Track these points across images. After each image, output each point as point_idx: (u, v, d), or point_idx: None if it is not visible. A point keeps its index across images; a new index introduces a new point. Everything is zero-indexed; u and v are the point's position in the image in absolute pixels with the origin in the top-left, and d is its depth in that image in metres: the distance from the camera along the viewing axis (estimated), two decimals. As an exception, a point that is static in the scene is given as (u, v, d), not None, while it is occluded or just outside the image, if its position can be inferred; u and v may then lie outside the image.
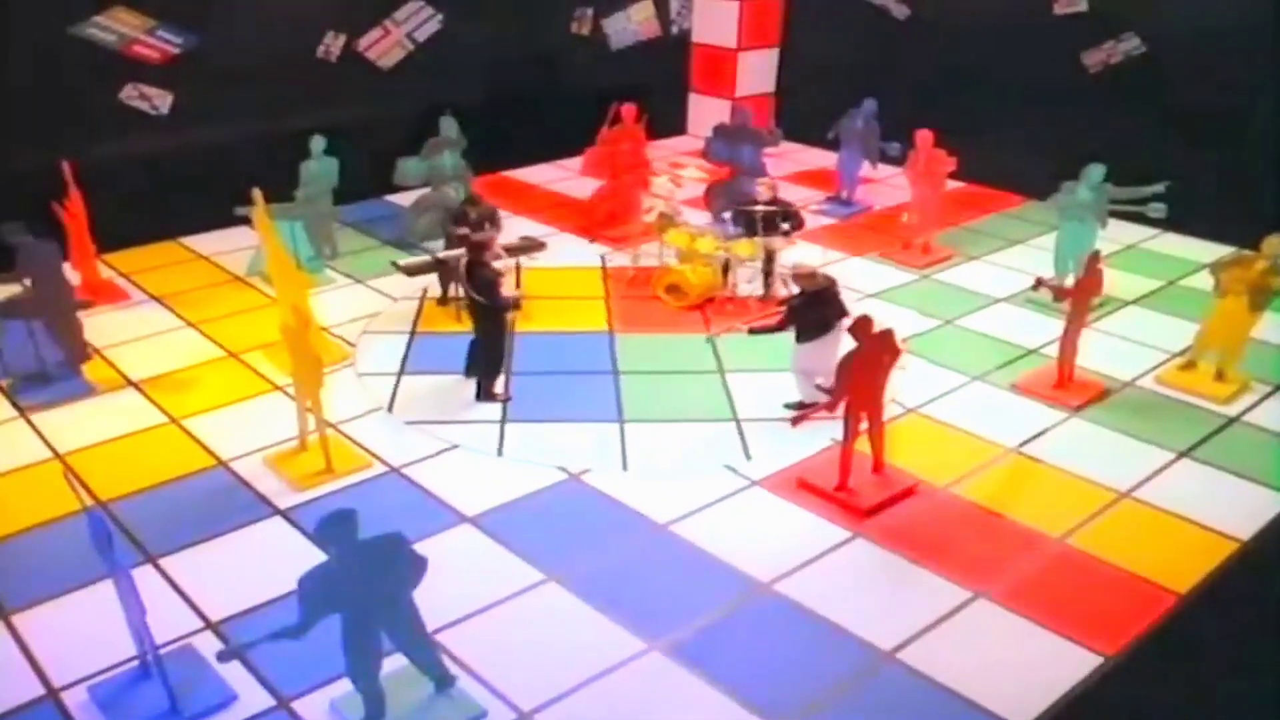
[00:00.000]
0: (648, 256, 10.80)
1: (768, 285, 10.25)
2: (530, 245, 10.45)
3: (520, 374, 8.82)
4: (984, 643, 5.91)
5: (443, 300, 10.07)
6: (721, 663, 5.75)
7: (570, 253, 11.52)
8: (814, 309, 7.93)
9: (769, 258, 10.22)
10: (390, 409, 8.38)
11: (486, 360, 8.43)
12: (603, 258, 11.38)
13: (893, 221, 11.99)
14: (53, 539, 6.69)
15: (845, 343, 7.48)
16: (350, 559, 4.82)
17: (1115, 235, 11.25)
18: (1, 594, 6.22)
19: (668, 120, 15.95)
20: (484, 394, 8.46)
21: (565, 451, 7.76)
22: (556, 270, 10.99)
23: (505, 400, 8.47)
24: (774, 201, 10.23)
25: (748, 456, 7.73)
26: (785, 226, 10.14)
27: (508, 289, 8.45)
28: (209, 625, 6.01)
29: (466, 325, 8.72)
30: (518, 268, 10.34)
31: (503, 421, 8.21)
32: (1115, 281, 10.39)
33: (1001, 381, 8.88)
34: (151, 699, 5.36)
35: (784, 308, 8.07)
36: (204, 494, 7.21)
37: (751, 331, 8.15)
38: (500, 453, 7.78)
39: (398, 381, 8.83)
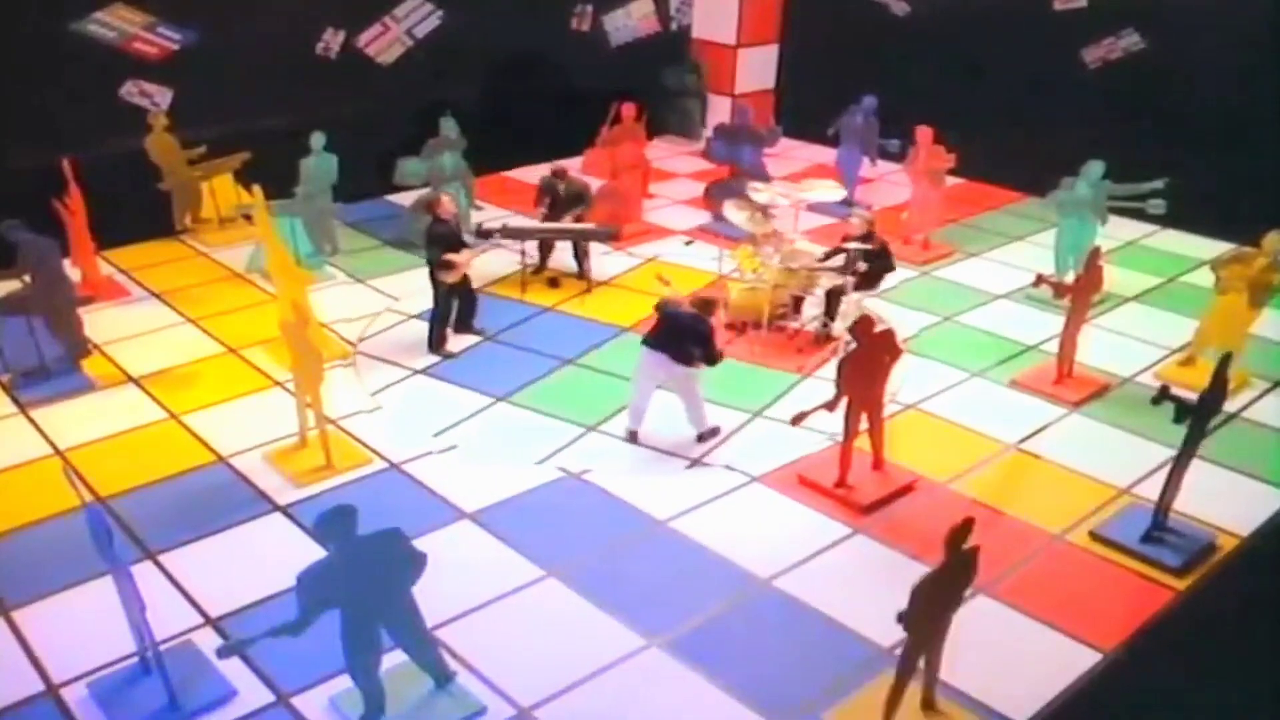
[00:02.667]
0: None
1: (824, 325, 9.42)
2: (601, 232, 10.46)
3: (497, 342, 9.39)
4: (983, 639, 5.91)
5: (538, 270, 10.64)
6: (720, 659, 5.76)
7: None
8: (674, 333, 7.51)
9: (829, 296, 9.34)
10: (358, 344, 9.35)
11: (435, 312, 9.13)
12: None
13: (893, 219, 11.97)
14: (52, 535, 6.69)
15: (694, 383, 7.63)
16: (349, 555, 4.82)
17: (1115, 232, 11.26)
18: (1, 590, 6.23)
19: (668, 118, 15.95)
20: (432, 344, 9.12)
21: (414, 407, 8.37)
22: (675, 267, 10.90)
23: (448, 355, 9.07)
24: (866, 238, 9.22)
25: (538, 461, 7.61)
26: (862, 266, 9.13)
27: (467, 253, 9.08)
28: (209, 621, 6.01)
29: (527, 295, 10.19)
30: (587, 252, 10.53)
31: (418, 371, 8.89)
32: (1115, 278, 10.39)
33: (1001, 378, 8.88)
34: (151, 695, 5.37)
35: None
36: (204, 490, 7.21)
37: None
38: (372, 395, 8.50)
39: (399, 322, 9.77)
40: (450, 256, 8.88)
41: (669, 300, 7.77)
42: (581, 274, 10.56)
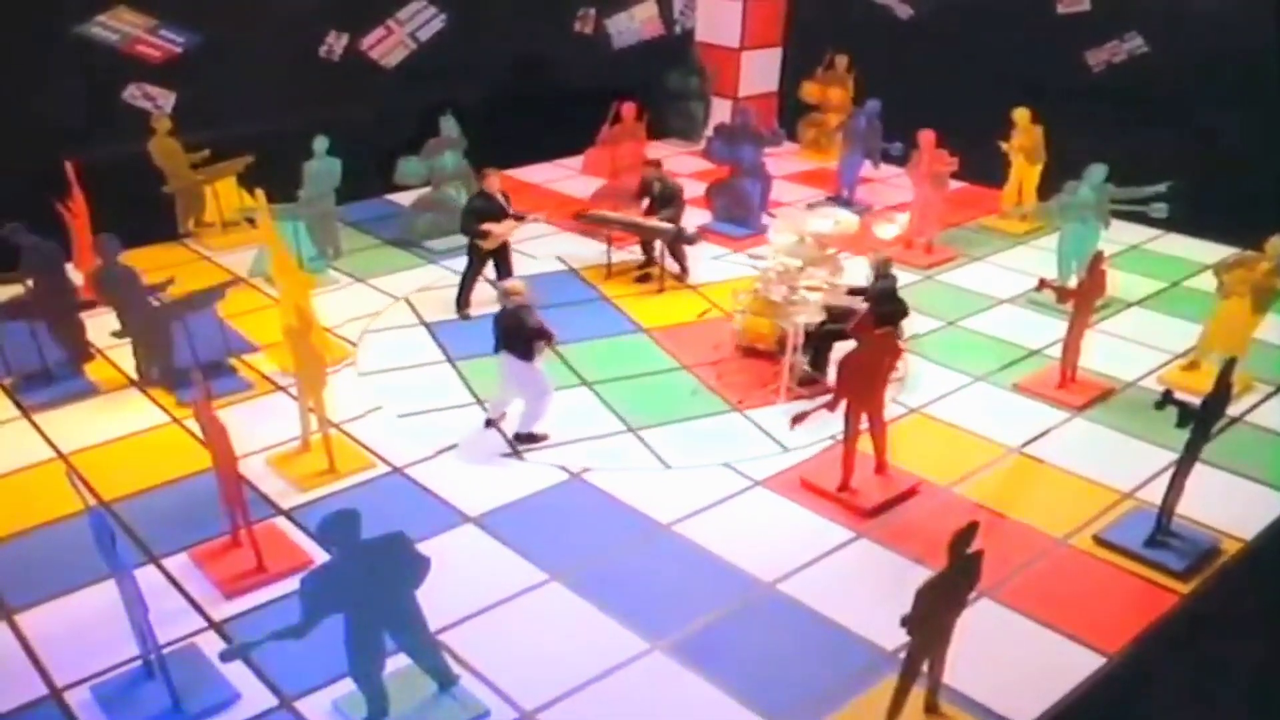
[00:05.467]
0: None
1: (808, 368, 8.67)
2: (666, 231, 10.44)
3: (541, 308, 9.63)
4: (986, 642, 5.90)
5: (646, 264, 10.89)
6: (723, 663, 5.76)
7: (568, 254, 11.54)
8: (507, 332, 7.55)
9: (819, 340, 8.60)
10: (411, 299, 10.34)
11: (465, 272, 9.94)
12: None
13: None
14: (55, 539, 6.70)
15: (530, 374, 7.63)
16: (353, 559, 4.82)
17: (1118, 236, 11.24)
18: (4, 593, 6.23)
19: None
20: (459, 302, 9.96)
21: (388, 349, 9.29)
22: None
23: (465, 317, 9.86)
24: (880, 279, 8.31)
25: (397, 413, 8.21)
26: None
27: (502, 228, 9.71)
28: (212, 625, 6.01)
29: (607, 283, 10.67)
30: (675, 253, 10.68)
31: (422, 323, 9.83)
32: (1118, 282, 10.36)
33: (1004, 382, 8.88)
34: (154, 698, 5.37)
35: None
36: (206, 494, 7.16)
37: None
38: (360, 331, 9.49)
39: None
40: (487, 226, 9.57)
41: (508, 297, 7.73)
42: (679, 275, 10.73)
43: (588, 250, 11.48)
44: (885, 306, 8.13)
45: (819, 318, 8.57)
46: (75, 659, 5.72)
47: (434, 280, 10.76)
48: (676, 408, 8.38)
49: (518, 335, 7.50)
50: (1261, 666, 5.92)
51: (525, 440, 7.80)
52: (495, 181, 9.77)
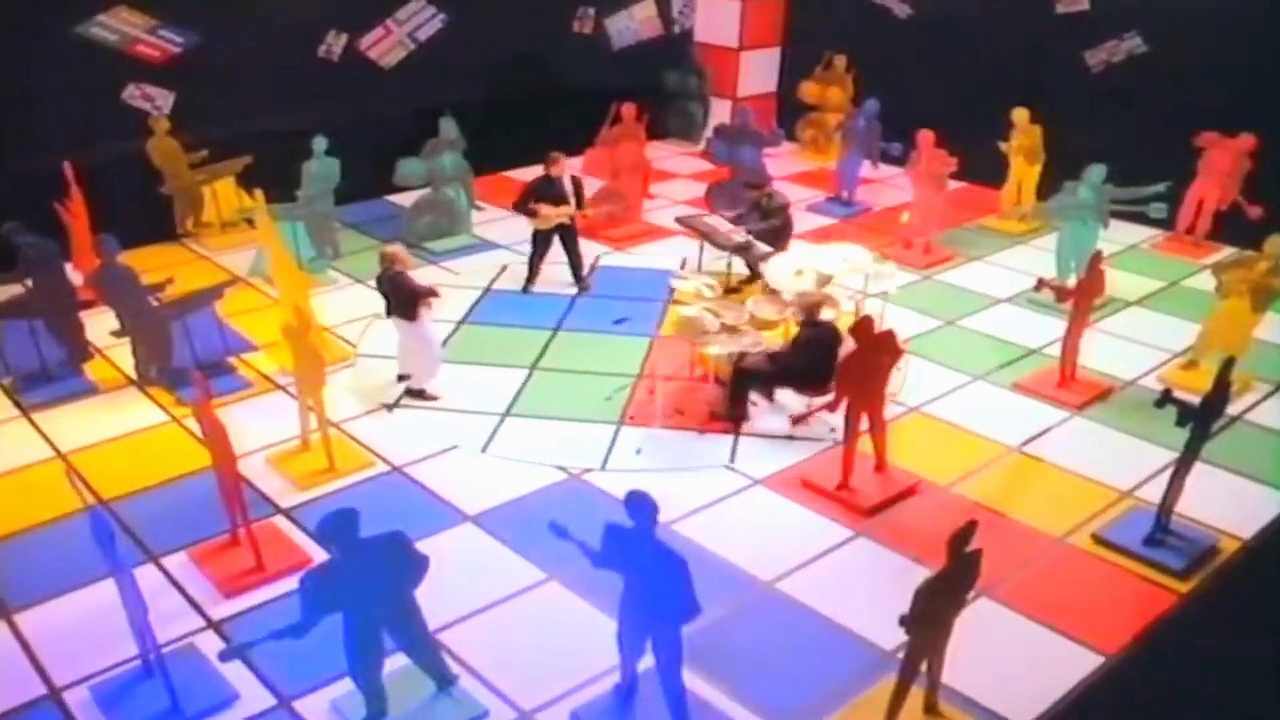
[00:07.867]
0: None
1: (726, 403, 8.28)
2: (754, 249, 10.10)
3: (591, 295, 10.43)
4: (985, 642, 5.90)
5: (749, 279, 10.52)
6: (722, 662, 5.75)
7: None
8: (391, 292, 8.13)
9: (736, 373, 8.16)
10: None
11: (530, 257, 10.43)
12: None
13: (893, 221, 11.97)
14: (55, 538, 6.70)
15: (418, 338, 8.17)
16: (352, 558, 4.82)
17: (1117, 236, 11.25)
18: (3, 593, 6.23)
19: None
20: (526, 282, 10.45)
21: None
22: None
23: (526, 290, 10.38)
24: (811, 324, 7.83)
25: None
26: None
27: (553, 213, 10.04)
28: (210, 624, 6.02)
29: None
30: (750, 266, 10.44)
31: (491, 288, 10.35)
32: (1117, 282, 10.37)
33: (1003, 381, 8.88)
34: (153, 698, 5.37)
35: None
36: (206, 493, 7.16)
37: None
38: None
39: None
40: (536, 206, 9.95)
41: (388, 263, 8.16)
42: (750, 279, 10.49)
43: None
44: (805, 358, 7.74)
45: (732, 349, 8.04)
46: (74, 658, 5.72)
47: (434, 280, 10.72)
48: (575, 407, 8.32)
49: (399, 297, 7.99)
50: (1261, 665, 5.92)
51: (415, 396, 8.29)
52: (560, 167, 10.04)
